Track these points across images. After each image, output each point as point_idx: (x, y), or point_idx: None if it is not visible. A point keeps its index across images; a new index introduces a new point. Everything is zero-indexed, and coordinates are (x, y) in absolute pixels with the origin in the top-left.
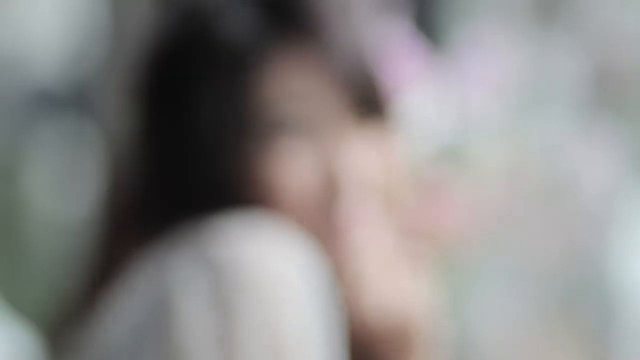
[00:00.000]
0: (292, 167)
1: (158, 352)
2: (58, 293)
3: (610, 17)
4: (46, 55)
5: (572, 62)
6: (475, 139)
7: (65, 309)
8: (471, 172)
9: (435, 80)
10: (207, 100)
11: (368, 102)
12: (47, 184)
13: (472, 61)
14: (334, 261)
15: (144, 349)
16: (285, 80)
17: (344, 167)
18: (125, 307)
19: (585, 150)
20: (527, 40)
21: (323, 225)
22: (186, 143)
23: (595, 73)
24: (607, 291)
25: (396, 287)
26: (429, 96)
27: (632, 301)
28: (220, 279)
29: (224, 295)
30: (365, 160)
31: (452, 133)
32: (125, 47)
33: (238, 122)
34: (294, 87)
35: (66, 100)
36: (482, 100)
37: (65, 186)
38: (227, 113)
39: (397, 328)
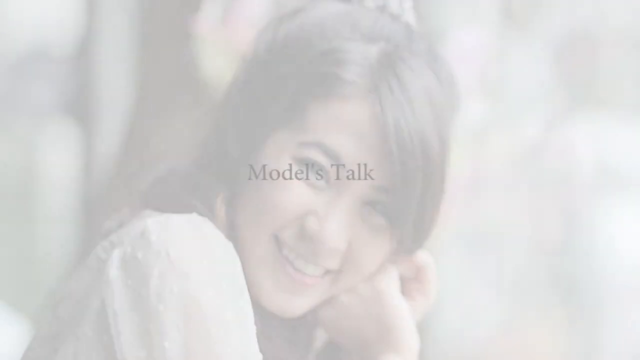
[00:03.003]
0: (287, 197)
1: (95, 312)
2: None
3: (576, 19)
4: (44, 16)
5: (543, 63)
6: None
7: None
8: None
9: None
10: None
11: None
12: (59, 145)
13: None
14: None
15: (89, 305)
16: (340, 136)
17: (320, 229)
18: (81, 268)
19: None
20: (501, 42)
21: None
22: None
23: (564, 73)
24: (594, 283)
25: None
26: None
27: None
28: (141, 250)
29: (143, 263)
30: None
31: None
32: (115, 14)
33: (279, 123)
34: (344, 142)
35: (63, 61)
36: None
37: (73, 149)
38: (280, 110)
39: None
